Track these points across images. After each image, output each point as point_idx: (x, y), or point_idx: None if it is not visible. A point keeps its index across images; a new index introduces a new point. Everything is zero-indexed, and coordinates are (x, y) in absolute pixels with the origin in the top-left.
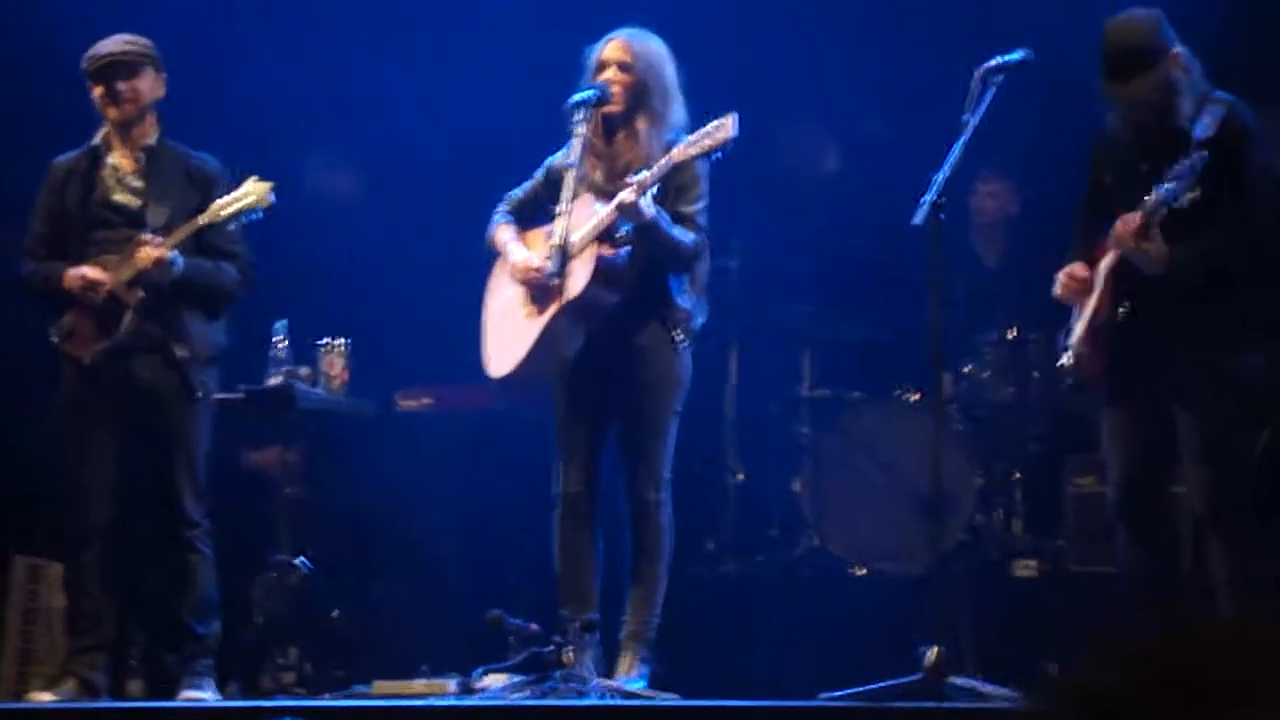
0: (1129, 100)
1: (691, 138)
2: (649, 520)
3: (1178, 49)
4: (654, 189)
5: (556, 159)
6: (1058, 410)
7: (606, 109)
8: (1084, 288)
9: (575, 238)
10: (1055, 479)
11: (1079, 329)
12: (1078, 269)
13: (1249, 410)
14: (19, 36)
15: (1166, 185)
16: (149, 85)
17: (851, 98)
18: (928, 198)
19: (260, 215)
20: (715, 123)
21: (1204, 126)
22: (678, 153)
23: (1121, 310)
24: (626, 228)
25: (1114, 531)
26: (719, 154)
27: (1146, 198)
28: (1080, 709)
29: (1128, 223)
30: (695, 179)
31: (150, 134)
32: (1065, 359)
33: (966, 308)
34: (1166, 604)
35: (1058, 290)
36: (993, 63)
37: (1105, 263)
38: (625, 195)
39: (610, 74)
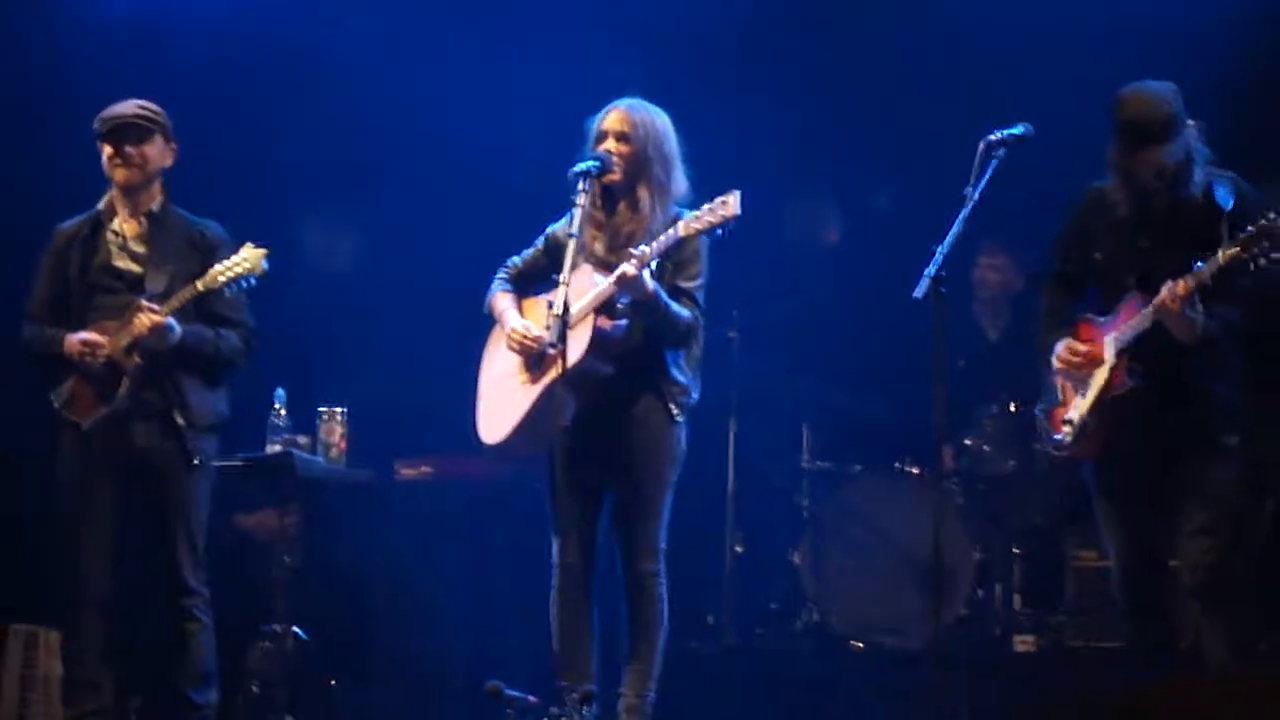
0: (1151, 169)
1: (696, 213)
2: (645, 592)
3: (1191, 121)
4: (654, 263)
5: (557, 227)
6: (1059, 483)
7: (607, 179)
8: (1087, 362)
9: (574, 308)
10: (1056, 552)
11: (1086, 403)
12: (1078, 345)
13: (1250, 485)
14: (32, 99)
15: (1228, 249)
16: (158, 152)
17: (853, 171)
18: (929, 270)
19: (254, 282)
20: (719, 200)
21: (1225, 198)
22: (682, 228)
23: (1133, 384)
24: (625, 300)
25: (1118, 607)
26: (722, 231)
27: (1199, 265)
28: None
29: (1176, 289)
30: (695, 255)
31: (155, 200)
32: (1065, 433)
33: (968, 380)
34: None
35: (1058, 365)
36: (994, 136)
37: (1119, 336)
38: (626, 268)
39: (610, 144)
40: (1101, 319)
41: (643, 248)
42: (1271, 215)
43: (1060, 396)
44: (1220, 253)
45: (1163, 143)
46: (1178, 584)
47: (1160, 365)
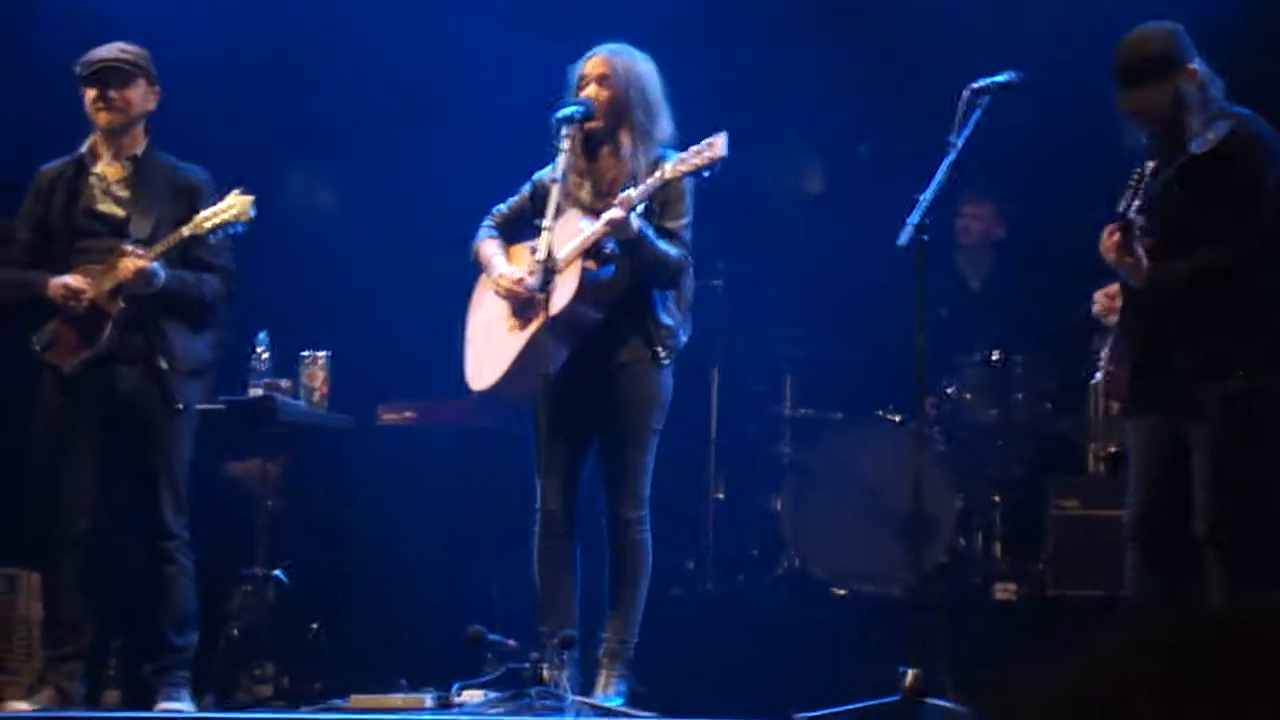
0: (1134, 109)
1: (682, 155)
2: (628, 538)
3: (1195, 65)
4: (641, 205)
5: (542, 174)
6: (1040, 433)
7: (589, 125)
8: (1111, 306)
9: (560, 254)
10: (1037, 502)
11: (1105, 350)
12: (1112, 288)
13: (1260, 436)
14: (13, 42)
15: (1133, 199)
16: (141, 95)
17: (837, 119)
18: (912, 219)
19: (242, 229)
20: (706, 141)
21: (1201, 142)
22: (669, 169)
23: (1135, 329)
24: (612, 245)
25: (1106, 555)
26: (708, 172)
27: (1121, 207)
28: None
29: (1109, 236)
30: (680, 195)
31: (139, 144)
32: (1099, 377)
33: (950, 329)
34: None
35: (1096, 309)
36: (979, 84)
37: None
38: (614, 212)
39: (591, 89)
40: None
41: (629, 190)
42: (1147, 164)
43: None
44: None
45: (1143, 85)
46: (1186, 536)
47: (1153, 311)
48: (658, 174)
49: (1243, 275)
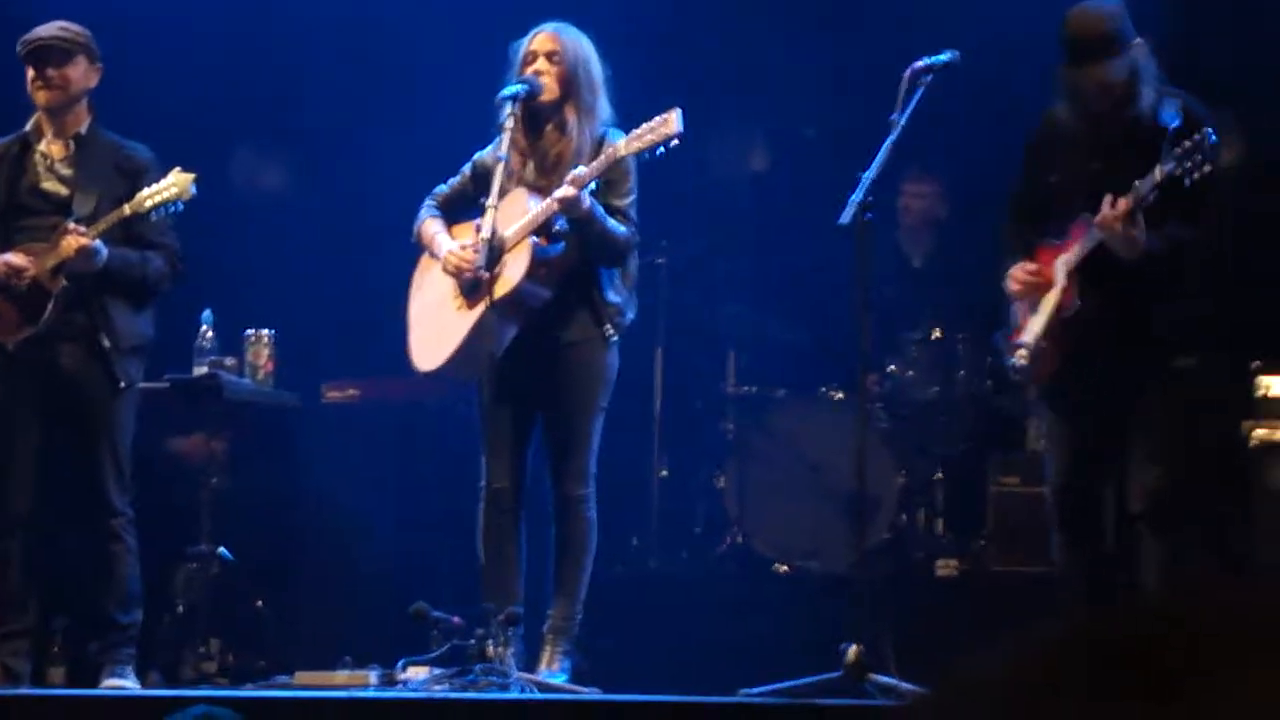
0: (1094, 85)
1: (636, 132)
2: (573, 515)
3: (1139, 39)
4: (592, 183)
5: (484, 154)
6: (982, 410)
7: (538, 100)
8: (1039, 285)
9: (508, 232)
10: (978, 479)
11: (1038, 325)
12: (1030, 266)
13: (1198, 412)
14: None
15: (1165, 165)
16: (81, 73)
17: (780, 98)
18: (855, 197)
19: (182, 207)
20: (660, 118)
21: (1170, 116)
22: (623, 146)
23: (1080, 305)
24: (562, 222)
25: (1050, 530)
26: (662, 149)
27: (1138, 182)
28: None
29: (1116, 207)
30: (625, 173)
31: (82, 122)
32: (1020, 356)
33: (892, 307)
34: (1099, 604)
35: (1013, 288)
36: (921, 63)
37: (1068, 258)
38: (566, 189)
39: (540, 64)
40: (1056, 242)
41: (581, 168)
42: (1207, 131)
43: (1017, 322)
44: (1158, 169)
45: (1105, 59)
46: (1105, 508)
47: (1109, 286)
48: (610, 150)
49: (1193, 251)
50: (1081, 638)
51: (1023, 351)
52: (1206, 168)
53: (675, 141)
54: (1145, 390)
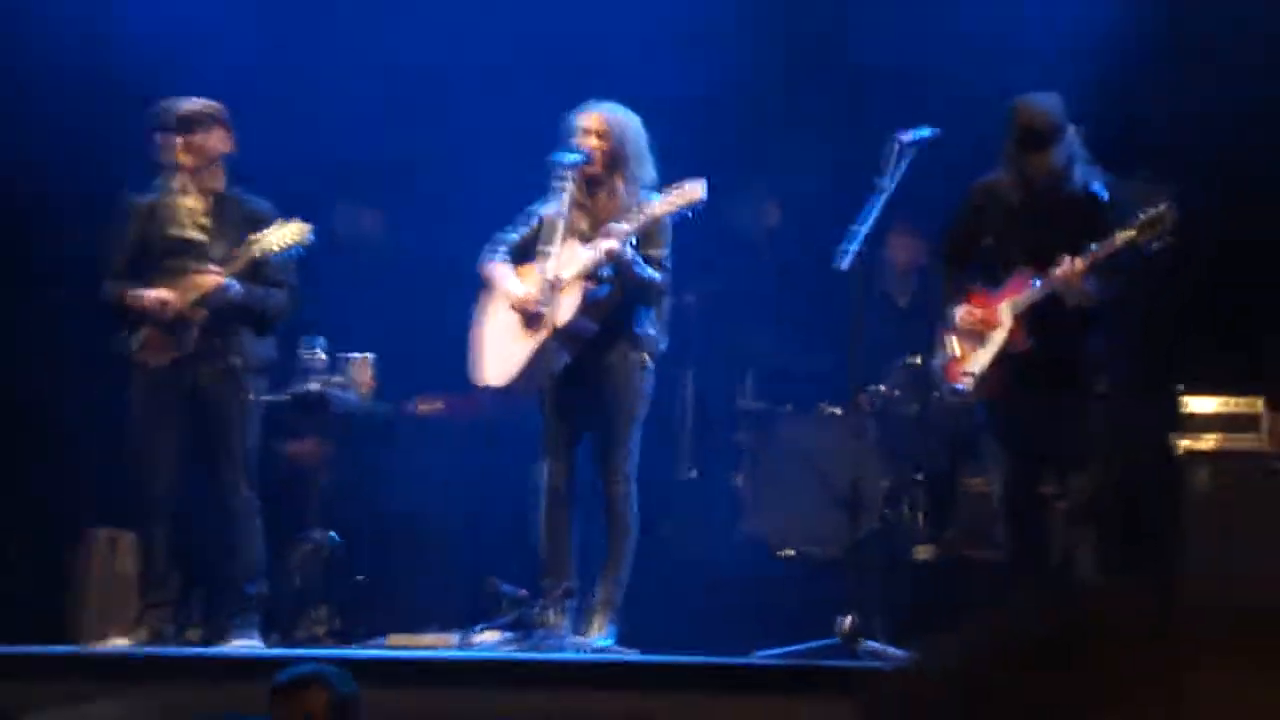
0: (1039, 168)
1: (668, 197)
2: (617, 508)
3: (1073, 126)
4: (633, 237)
5: (546, 209)
6: (953, 424)
7: (588, 170)
8: (983, 323)
9: (565, 275)
10: (950, 480)
11: (986, 357)
12: (976, 309)
13: (1119, 428)
14: (101, 90)
15: (1123, 235)
16: (218, 140)
17: (791, 164)
18: (851, 248)
19: (302, 251)
20: (688, 185)
21: (1100, 189)
22: (656, 208)
23: (1032, 342)
24: (608, 269)
25: (999, 525)
26: (690, 212)
27: (1093, 246)
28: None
29: (1075, 264)
30: (661, 229)
31: (218, 180)
32: (967, 382)
33: (880, 338)
34: (1042, 586)
35: (960, 324)
36: (907, 137)
37: (1016, 302)
38: (610, 242)
39: (591, 141)
40: (994, 289)
41: (623, 224)
42: (1162, 206)
43: (954, 352)
44: (1116, 236)
45: (1051, 146)
46: (1050, 512)
47: (1047, 327)
48: (647, 211)
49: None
50: (1023, 631)
51: (969, 379)
52: (1170, 239)
53: (700, 206)
54: (1074, 410)
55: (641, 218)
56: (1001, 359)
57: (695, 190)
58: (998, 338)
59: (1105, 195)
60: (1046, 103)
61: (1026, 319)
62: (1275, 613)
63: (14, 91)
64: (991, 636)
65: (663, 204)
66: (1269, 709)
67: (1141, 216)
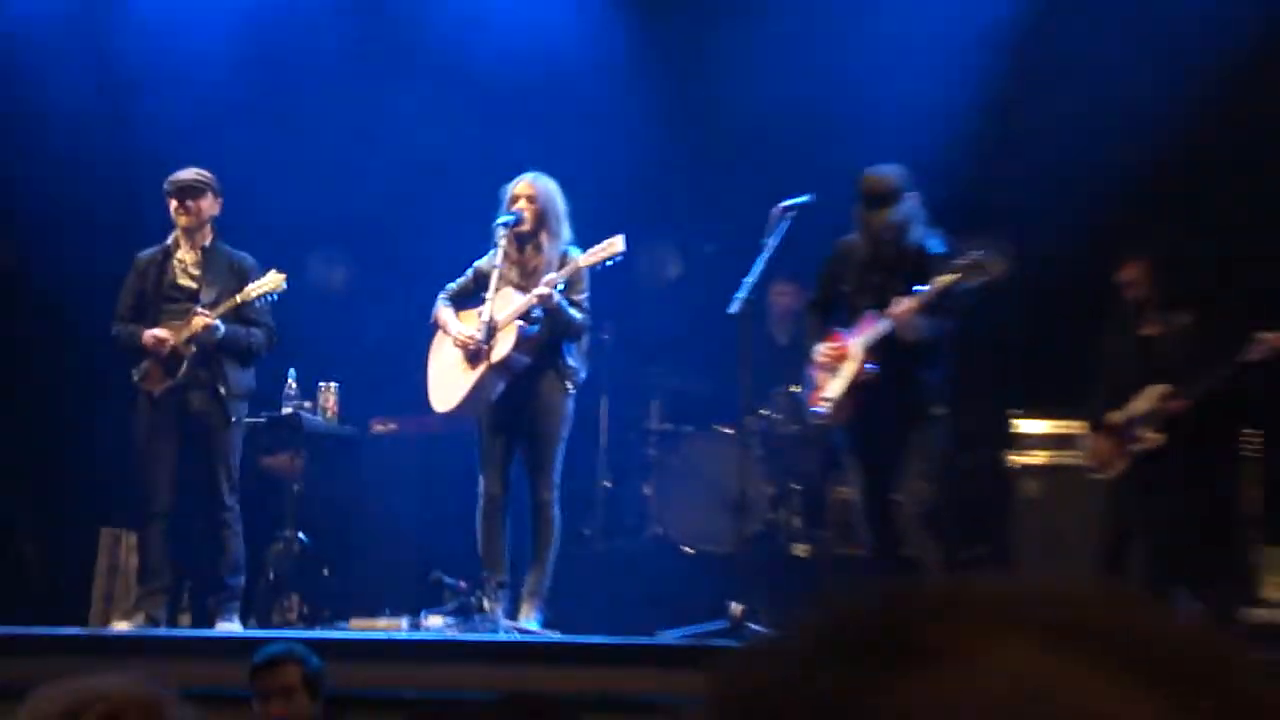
0: (881, 226)
1: (593, 250)
2: (544, 513)
3: (913, 192)
4: (560, 284)
5: (481, 262)
6: (824, 443)
7: (519, 229)
8: (838, 358)
9: (501, 316)
10: (822, 489)
11: (840, 386)
12: (830, 346)
13: (952, 442)
14: (118, 162)
15: (944, 278)
16: (209, 204)
17: (690, 224)
18: (740, 295)
19: (277, 297)
20: (609, 240)
21: (936, 245)
22: (583, 260)
23: (874, 371)
24: (539, 311)
25: (860, 526)
26: (611, 263)
27: (921, 288)
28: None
29: (907, 304)
30: (582, 277)
31: (208, 238)
32: (824, 407)
33: (765, 370)
34: (896, 578)
35: (818, 359)
36: (787, 203)
37: (865, 339)
38: (543, 289)
39: (522, 204)
40: (846, 330)
41: (552, 274)
42: (975, 254)
43: (816, 384)
44: (938, 279)
45: (890, 206)
46: (900, 514)
47: (890, 359)
48: (573, 262)
49: (946, 337)
50: (847, 614)
51: (826, 404)
52: (977, 280)
53: (620, 258)
54: (911, 429)
55: (569, 267)
56: (851, 388)
57: (616, 244)
58: (848, 370)
59: (936, 249)
60: (888, 171)
61: (872, 353)
62: (1068, 593)
63: (52, 169)
64: (822, 618)
65: (589, 256)
66: (1053, 684)
67: (960, 262)
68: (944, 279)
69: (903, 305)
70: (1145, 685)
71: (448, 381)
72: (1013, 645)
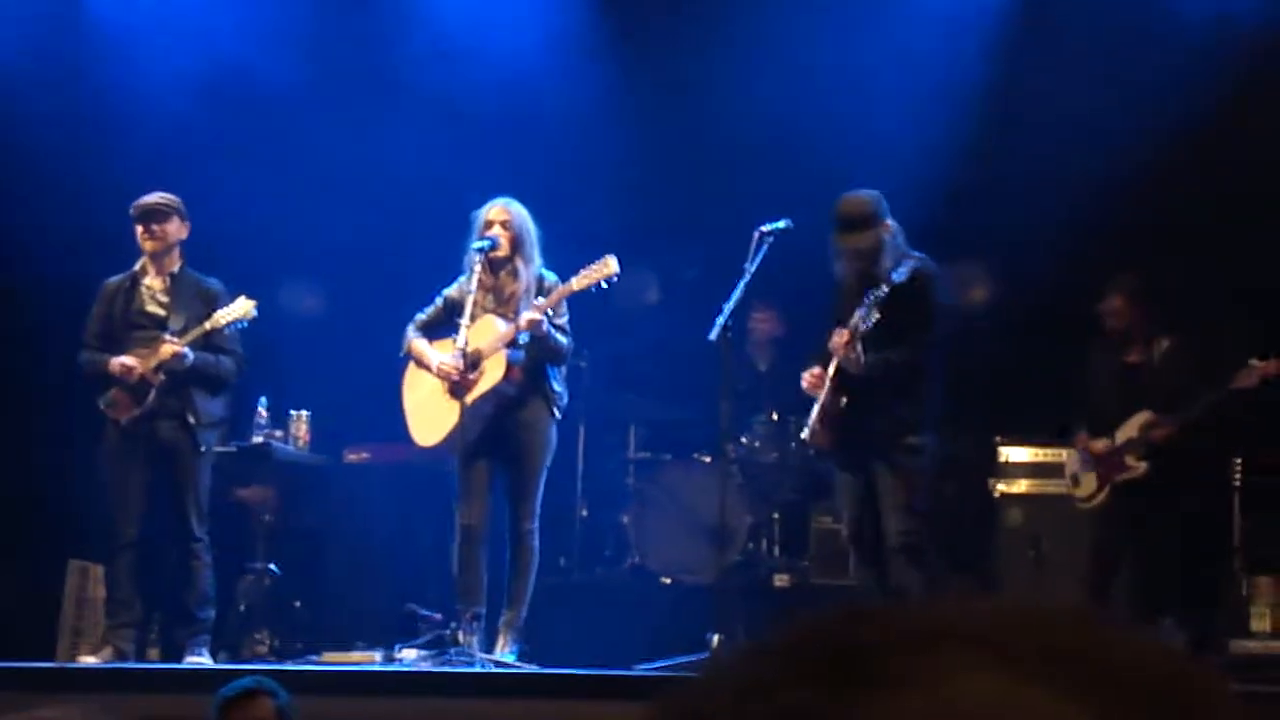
0: (849, 250)
1: (585, 271)
2: (524, 543)
3: (889, 221)
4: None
5: (450, 290)
6: (806, 471)
7: (495, 254)
8: (820, 383)
9: (482, 345)
10: (803, 518)
11: (813, 414)
12: (815, 371)
13: (928, 473)
14: (86, 189)
15: (859, 311)
16: (175, 228)
17: (669, 250)
18: (719, 320)
19: (246, 324)
20: (601, 261)
21: (899, 275)
22: (576, 282)
23: (843, 400)
24: (524, 337)
25: (848, 556)
26: (606, 284)
27: (851, 320)
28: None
29: (840, 336)
30: (562, 302)
31: (175, 263)
32: (805, 434)
33: (744, 397)
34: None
35: (804, 385)
36: (766, 227)
37: (831, 369)
38: (533, 315)
39: (496, 230)
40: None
41: (540, 299)
42: (879, 291)
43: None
44: (858, 312)
45: (860, 231)
46: (883, 543)
47: (857, 389)
48: (564, 286)
49: (916, 366)
50: (805, 636)
51: (806, 430)
52: (876, 317)
53: (615, 279)
54: (886, 459)
55: (560, 291)
56: (823, 416)
57: (609, 265)
58: (821, 398)
59: (900, 278)
60: (863, 196)
61: (838, 382)
62: (1042, 613)
63: (16, 197)
64: (780, 640)
65: (581, 278)
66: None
67: (882, 293)
68: (858, 314)
69: (836, 337)
70: (1105, 711)
71: (429, 414)
72: (973, 668)
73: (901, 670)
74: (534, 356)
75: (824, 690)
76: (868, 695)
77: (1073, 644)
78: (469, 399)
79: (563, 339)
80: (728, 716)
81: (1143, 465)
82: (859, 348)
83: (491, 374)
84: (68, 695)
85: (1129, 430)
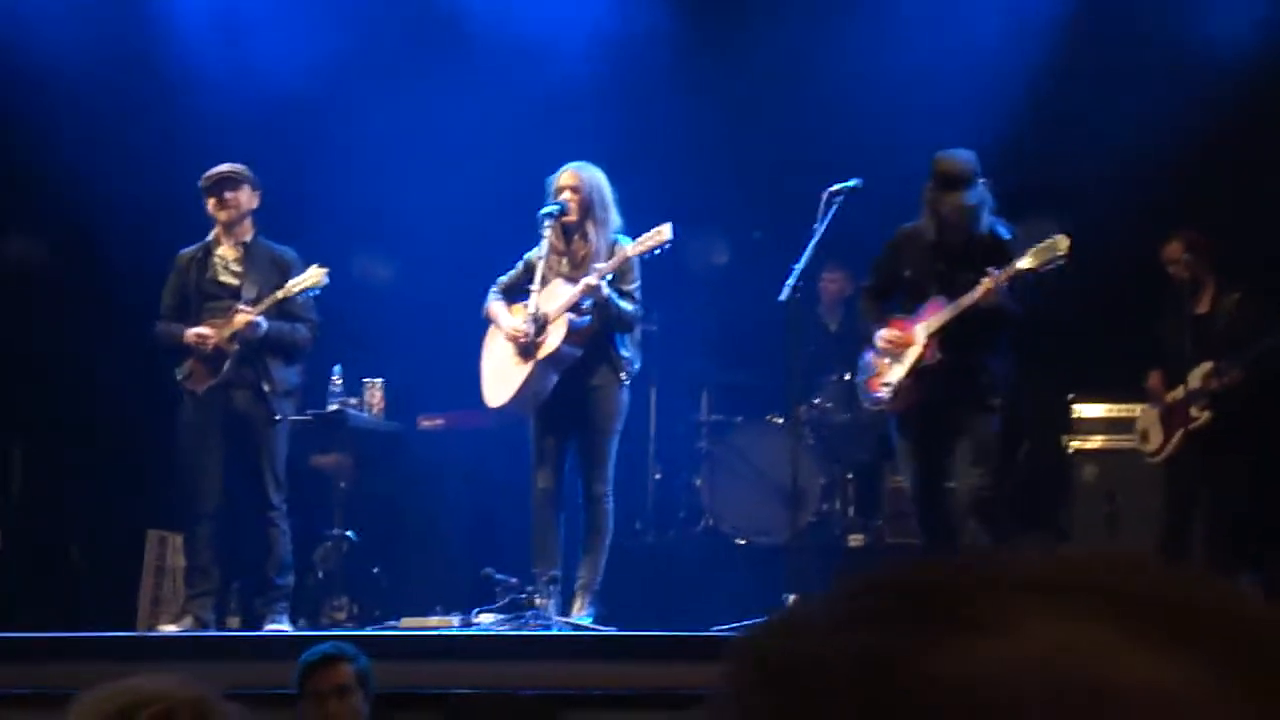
0: (953, 209)
1: (640, 239)
2: (597, 506)
3: (984, 179)
4: (609, 275)
5: (531, 254)
6: (879, 431)
7: (565, 219)
8: (901, 344)
9: (551, 309)
10: (876, 478)
11: (902, 371)
12: (894, 331)
13: (1010, 431)
14: (161, 160)
15: (1022, 262)
16: (247, 198)
17: (737, 211)
18: (789, 282)
19: (319, 291)
20: (656, 229)
21: (1005, 231)
22: (631, 249)
23: (940, 357)
24: (588, 302)
25: (914, 515)
26: (660, 250)
27: (1006, 268)
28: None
29: (996, 280)
30: (631, 267)
31: (248, 233)
32: (884, 393)
33: (815, 358)
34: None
35: (881, 345)
36: (835, 187)
37: (929, 324)
38: (590, 279)
39: (566, 195)
40: (909, 316)
41: (600, 264)
42: (1055, 236)
43: (875, 370)
44: (1015, 262)
45: (963, 189)
46: (955, 502)
47: (955, 346)
48: (621, 251)
49: (1008, 327)
50: (882, 582)
51: (887, 390)
52: (1062, 263)
53: (668, 246)
54: (970, 418)
55: (618, 257)
56: (914, 372)
57: (663, 232)
58: (912, 354)
59: (1007, 234)
60: (962, 154)
61: (938, 338)
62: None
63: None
64: (858, 587)
65: (636, 245)
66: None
67: (1037, 245)
68: (1023, 262)
69: (992, 280)
70: (1188, 655)
71: (501, 376)
72: (1057, 614)
73: (982, 615)
74: (599, 321)
75: (907, 629)
76: (951, 637)
77: (1158, 591)
78: (532, 363)
79: (628, 306)
80: (808, 657)
81: (1206, 415)
82: (1005, 291)
83: (553, 338)
84: (149, 664)
85: (1194, 381)
